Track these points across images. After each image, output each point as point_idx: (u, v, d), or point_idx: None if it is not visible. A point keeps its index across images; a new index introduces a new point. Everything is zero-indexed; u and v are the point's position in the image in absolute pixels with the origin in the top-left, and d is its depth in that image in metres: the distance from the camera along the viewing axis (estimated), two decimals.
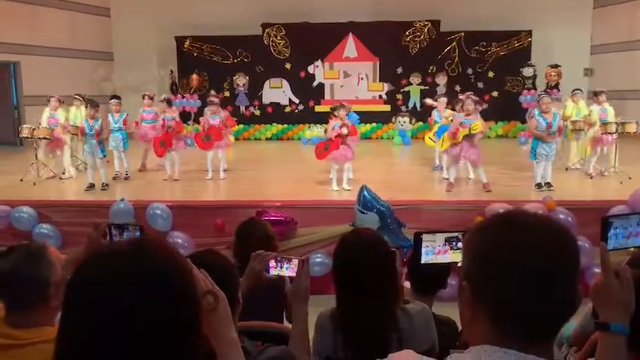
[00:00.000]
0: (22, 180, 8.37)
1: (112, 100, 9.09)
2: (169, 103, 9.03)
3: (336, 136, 7.41)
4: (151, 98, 9.65)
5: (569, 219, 5.94)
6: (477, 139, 7.39)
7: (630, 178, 7.79)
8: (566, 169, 8.95)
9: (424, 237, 1.89)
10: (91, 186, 7.83)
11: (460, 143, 7.28)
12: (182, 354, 0.92)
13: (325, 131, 7.81)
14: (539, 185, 7.29)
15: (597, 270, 5.08)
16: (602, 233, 1.70)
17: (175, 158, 8.54)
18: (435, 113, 9.37)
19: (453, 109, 8.64)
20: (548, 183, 7.29)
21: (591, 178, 8.21)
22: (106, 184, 7.93)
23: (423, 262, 1.88)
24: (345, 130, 7.37)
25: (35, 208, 6.70)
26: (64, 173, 9.02)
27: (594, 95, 8.78)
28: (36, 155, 8.62)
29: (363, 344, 1.93)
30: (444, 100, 9.49)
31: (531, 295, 0.95)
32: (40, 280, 1.78)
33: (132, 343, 0.86)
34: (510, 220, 1.04)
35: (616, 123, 8.06)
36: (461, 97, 8.48)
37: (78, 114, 9.38)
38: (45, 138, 8.65)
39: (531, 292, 0.95)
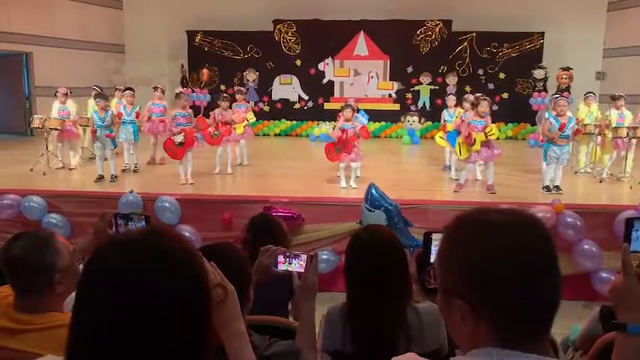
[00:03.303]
0: (32, 170, 8.44)
1: (126, 92, 9.15)
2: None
3: (338, 138, 7.43)
4: (162, 92, 9.65)
5: (578, 222, 5.90)
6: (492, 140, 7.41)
7: None
8: (575, 172, 8.90)
9: (434, 236, 1.89)
10: (101, 177, 7.88)
11: (479, 151, 7.25)
12: (194, 343, 0.93)
13: (334, 128, 7.82)
14: (547, 188, 7.25)
15: (605, 275, 5.09)
16: (625, 234, 1.68)
17: (190, 158, 7.88)
18: (445, 112, 9.35)
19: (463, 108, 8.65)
20: (557, 186, 7.24)
21: (600, 182, 8.15)
22: (115, 176, 7.98)
23: (432, 261, 1.88)
24: (354, 129, 7.39)
25: (45, 197, 6.74)
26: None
27: (612, 99, 8.66)
28: (46, 145, 8.68)
29: (372, 340, 1.95)
30: (453, 98, 9.50)
31: (525, 295, 0.94)
32: (47, 266, 1.82)
33: (146, 331, 0.88)
34: (487, 225, 0.99)
35: (627, 127, 8.00)
36: (473, 95, 8.45)
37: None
38: (55, 129, 8.71)
39: (528, 289, 0.94)
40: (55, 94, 9.16)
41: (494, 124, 7.54)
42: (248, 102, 11.57)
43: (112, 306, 0.87)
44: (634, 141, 8.02)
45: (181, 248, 0.96)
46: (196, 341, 0.93)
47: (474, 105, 7.68)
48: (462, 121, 7.72)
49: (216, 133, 8.42)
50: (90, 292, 0.91)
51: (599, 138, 8.60)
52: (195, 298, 0.94)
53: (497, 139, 8.08)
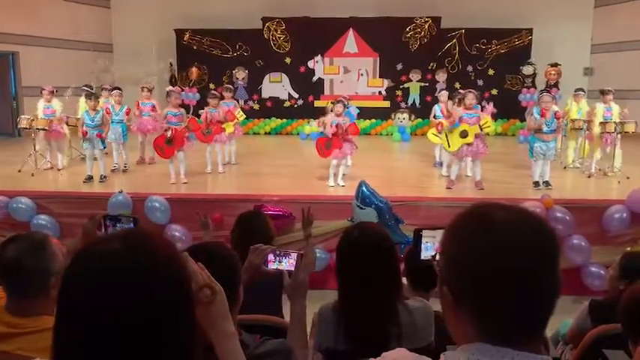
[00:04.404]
0: (20, 171, 8.36)
1: (114, 92, 9.09)
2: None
3: (333, 134, 7.41)
4: (150, 91, 9.60)
5: (567, 217, 5.95)
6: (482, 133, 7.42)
7: (628, 178, 7.80)
8: (565, 167, 8.96)
9: (424, 233, 1.89)
10: (90, 178, 7.81)
11: (471, 144, 7.26)
12: (176, 347, 0.92)
13: (324, 126, 7.77)
14: (536, 184, 7.29)
15: (594, 269, 5.13)
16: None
17: (182, 158, 7.79)
18: (436, 107, 9.33)
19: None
20: (546, 182, 7.29)
21: (589, 177, 8.21)
22: (105, 176, 7.91)
23: (422, 257, 1.89)
24: (344, 125, 7.38)
25: (33, 199, 6.68)
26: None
27: (601, 94, 8.73)
28: (34, 146, 8.60)
29: (364, 337, 1.95)
30: (445, 93, 9.50)
31: (511, 295, 0.92)
32: (43, 270, 1.80)
33: (126, 336, 0.87)
34: (482, 220, 0.99)
35: (615, 122, 8.06)
36: (461, 91, 8.45)
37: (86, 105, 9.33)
38: (43, 129, 8.63)
39: (510, 292, 0.92)
40: (41, 93, 9.08)
41: (488, 116, 7.53)
42: (238, 100, 11.57)
43: (92, 311, 0.86)
44: (619, 136, 8.07)
45: (162, 252, 0.95)
46: (179, 344, 0.92)
47: (461, 100, 7.71)
48: (452, 114, 7.71)
49: (208, 130, 8.39)
50: (70, 296, 0.90)
51: (587, 132, 8.66)
52: (176, 301, 0.92)
53: (487, 134, 8.10)
